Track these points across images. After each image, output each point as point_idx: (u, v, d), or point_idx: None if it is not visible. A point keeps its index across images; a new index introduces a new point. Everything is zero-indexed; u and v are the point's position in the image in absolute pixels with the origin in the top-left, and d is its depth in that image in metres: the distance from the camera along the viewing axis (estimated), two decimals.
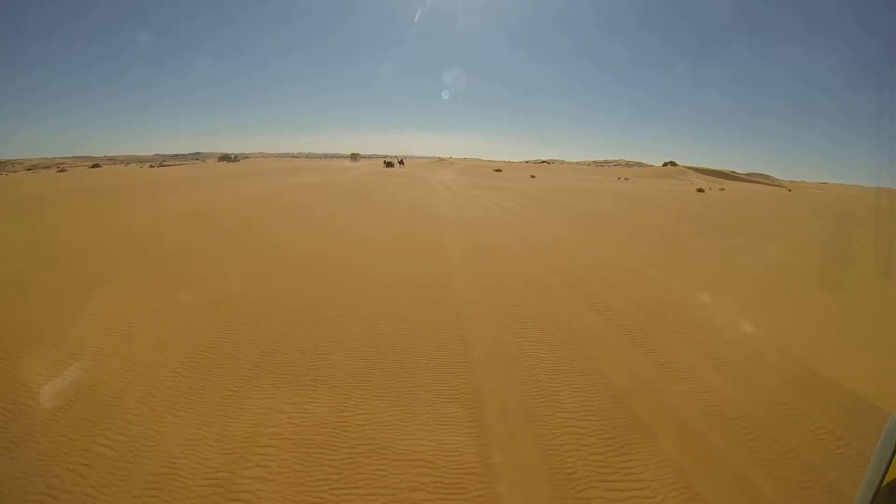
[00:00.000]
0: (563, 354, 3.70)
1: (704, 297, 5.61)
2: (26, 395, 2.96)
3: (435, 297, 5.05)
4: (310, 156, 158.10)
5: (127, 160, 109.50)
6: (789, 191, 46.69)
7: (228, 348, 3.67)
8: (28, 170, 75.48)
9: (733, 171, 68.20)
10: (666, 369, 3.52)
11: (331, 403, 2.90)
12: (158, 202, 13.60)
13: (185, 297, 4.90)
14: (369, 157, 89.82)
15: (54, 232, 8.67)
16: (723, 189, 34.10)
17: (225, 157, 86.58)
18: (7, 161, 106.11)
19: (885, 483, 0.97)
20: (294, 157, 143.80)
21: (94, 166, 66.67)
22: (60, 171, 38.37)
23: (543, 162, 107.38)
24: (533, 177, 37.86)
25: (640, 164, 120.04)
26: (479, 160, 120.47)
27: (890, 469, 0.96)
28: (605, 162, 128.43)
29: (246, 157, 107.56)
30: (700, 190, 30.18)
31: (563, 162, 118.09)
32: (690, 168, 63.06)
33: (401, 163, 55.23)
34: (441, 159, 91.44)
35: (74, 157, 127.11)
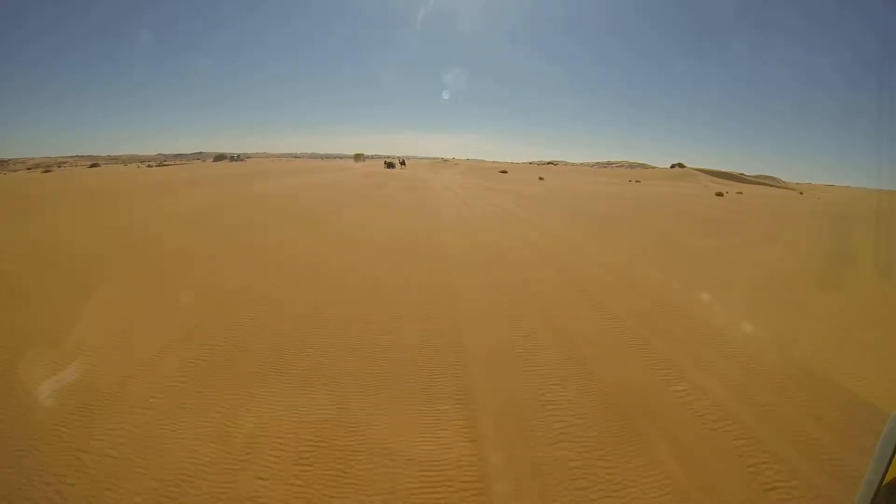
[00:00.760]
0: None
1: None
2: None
3: None
4: (312, 156, 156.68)
5: (129, 160, 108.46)
6: (801, 193, 45.34)
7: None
8: (27, 169, 74.47)
9: (742, 173, 66.59)
10: None
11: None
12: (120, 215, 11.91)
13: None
14: (372, 157, 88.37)
15: None
16: (740, 193, 32.39)
17: (220, 157, 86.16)
18: (9, 160, 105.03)
19: (885, 483, 0.95)
20: (296, 156, 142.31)
21: (93, 165, 65.40)
22: (46, 172, 36.55)
23: (549, 163, 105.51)
24: (541, 178, 36.09)
25: (643, 166, 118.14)
26: (481, 161, 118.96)
27: (890, 469, 0.95)
28: (608, 163, 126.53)
29: (248, 157, 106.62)
30: (719, 194, 28.41)
31: (565, 163, 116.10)
32: (699, 170, 61.44)
33: (402, 163, 52.86)
34: (444, 160, 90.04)
35: (76, 155, 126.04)
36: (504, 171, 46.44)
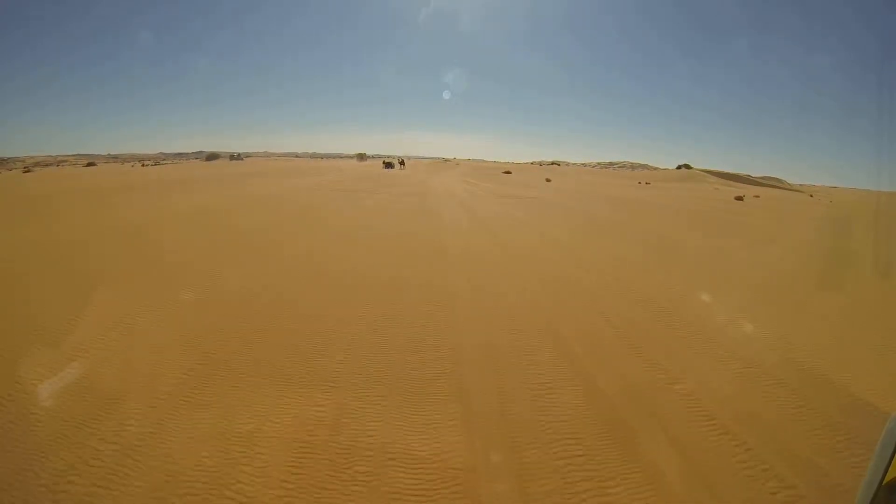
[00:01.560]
0: None
1: None
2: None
3: None
4: (313, 155, 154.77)
5: (130, 158, 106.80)
6: (811, 196, 43.92)
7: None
8: (25, 168, 73.07)
9: (748, 175, 64.78)
10: None
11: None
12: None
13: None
14: (374, 156, 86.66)
15: None
16: (757, 196, 30.57)
17: (213, 156, 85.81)
18: (9, 158, 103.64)
19: (885, 483, 0.95)
20: (297, 156, 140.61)
21: (90, 164, 63.55)
22: (26, 172, 34.61)
23: (552, 163, 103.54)
24: (548, 180, 34.25)
25: (645, 166, 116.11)
26: (483, 161, 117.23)
27: (890, 469, 0.94)
28: (610, 164, 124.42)
29: (248, 156, 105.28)
30: (738, 198, 26.61)
31: (567, 163, 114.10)
32: (705, 171, 59.61)
33: (401, 163, 49.76)
34: (445, 160, 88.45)
35: (77, 154, 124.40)
36: (508, 172, 44.61)
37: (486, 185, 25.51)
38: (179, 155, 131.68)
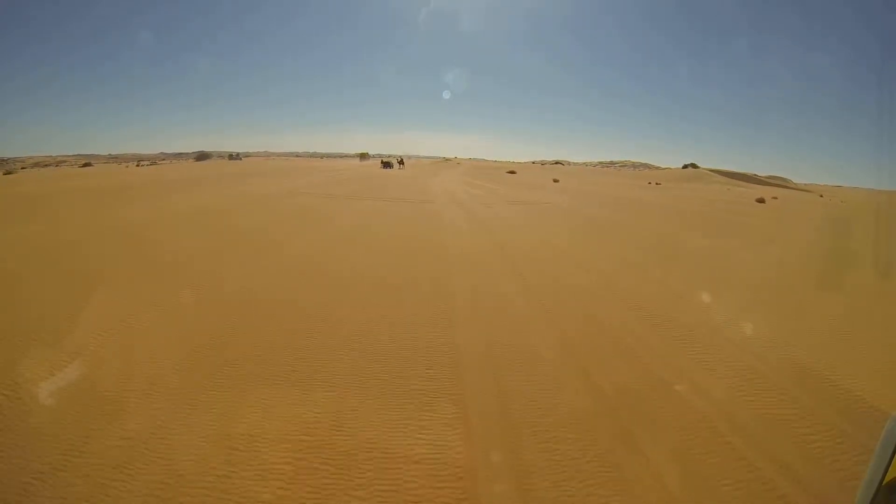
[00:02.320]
0: None
1: None
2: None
3: None
4: (314, 155, 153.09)
5: (131, 159, 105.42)
6: (821, 196, 42.40)
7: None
8: (22, 168, 71.98)
9: (755, 174, 63.03)
10: None
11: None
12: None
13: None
14: (375, 156, 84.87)
15: None
16: (775, 198, 28.80)
17: (203, 156, 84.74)
18: (9, 159, 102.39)
19: (885, 483, 0.94)
20: (298, 156, 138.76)
21: (86, 165, 61.97)
22: (7, 174, 32.77)
23: (556, 163, 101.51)
24: (556, 181, 32.42)
25: (647, 165, 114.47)
26: (483, 160, 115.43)
27: (890, 469, 0.93)
28: (612, 163, 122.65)
29: (248, 156, 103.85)
30: (760, 200, 24.85)
31: (568, 162, 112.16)
32: (712, 171, 57.87)
33: (400, 163, 46.52)
34: (446, 159, 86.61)
35: (78, 154, 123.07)
36: (512, 172, 42.81)
37: (492, 188, 23.38)
38: (180, 155, 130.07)
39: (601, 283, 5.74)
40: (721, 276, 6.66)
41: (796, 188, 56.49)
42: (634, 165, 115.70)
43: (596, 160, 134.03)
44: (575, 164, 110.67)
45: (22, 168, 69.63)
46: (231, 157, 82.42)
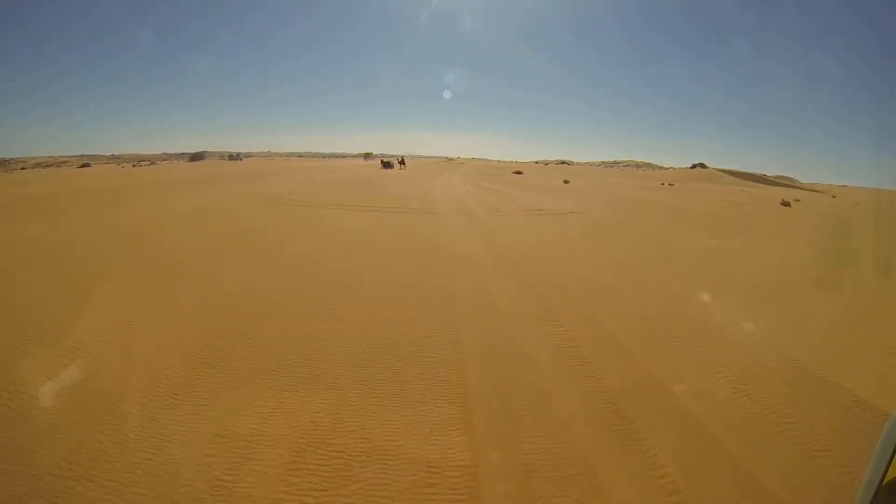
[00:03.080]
0: None
1: None
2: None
3: None
4: (316, 155, 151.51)
5: (132, 159, 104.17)
6: (833, 197, 40.88)
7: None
8: (22, 168, 71.19)
9: (763, 175, 61.16)
10: None
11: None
12: None
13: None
14: (378, 155, 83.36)
15: None
16: (797, 200, 27.09)
17: (197, 156, 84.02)
18: (10, 159, 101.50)
19: (885, 483, 0.93)
20: (300, 156, 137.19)
21: (84, 165, 60.75)
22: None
23: (562, 162, 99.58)
24: (567, 182, 30.72)
25: (650, 165, 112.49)
26: (487, 160, 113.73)
27: (890, 469, 0.92)
28: (615, 162, 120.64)
29: (250, 156, 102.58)
30: (785, 203, 23.17)
31: (571, 162, 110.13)
32: (721, 171, 55.98)
33: (401, 163, 43.85)
34: (449, 159, 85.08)
35: (80, 155, 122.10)
36: (518, 172, 41.19)
37: (503, 191, 21.58)
38: (182, 155, 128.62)
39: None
40: None
41: (804, 188, 54.71)
42: (637, 165, 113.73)
43: (598, 160, 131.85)
44: (578, 163, 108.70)
45: (21, 168, 68.52)
46: (231, 157, 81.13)
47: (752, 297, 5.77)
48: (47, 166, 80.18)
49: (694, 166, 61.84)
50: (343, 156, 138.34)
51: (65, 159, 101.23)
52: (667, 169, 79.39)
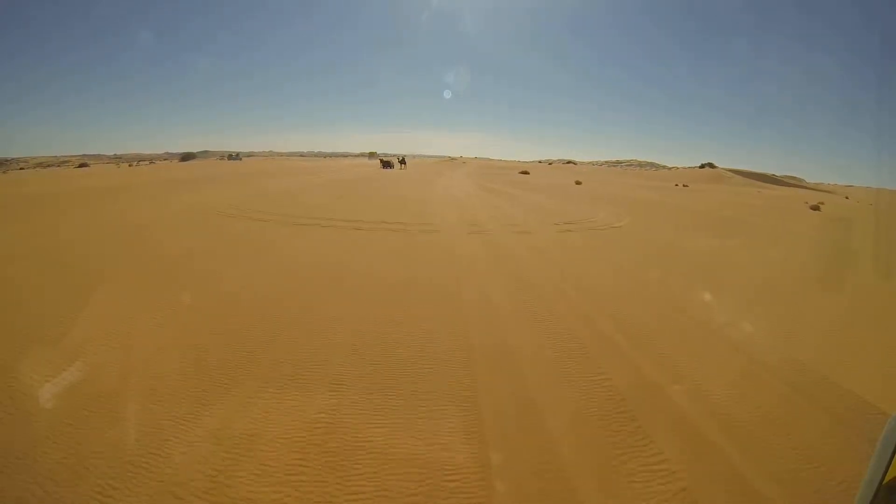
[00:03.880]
0: None
1: None
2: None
3: None
4: (318, 154, 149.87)
5: (134, 159, 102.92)
6: (846, 198, 39.31)
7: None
8: (21, 168, 70.32)
9: (773, 174, 59.46)
10: None
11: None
12: None
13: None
14: (382, 154, 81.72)
15: None
16: (822, 203, 25.45)
17: (188, 156, 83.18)
18: (11, 160, 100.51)
19: (885, 483, 0.91)
20: (302, 155, 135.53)
21: (82, 165, 59.58)
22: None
23: (569, 162, 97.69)
24: (579, 183, 29.07)
25: (653, 165, 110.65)
26: (489, 159, 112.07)
27: (890, 469, 0.91)
28: (619, 162, 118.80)
29: (250, 156, 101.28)
30: (815, 208, 21.55)
31: (574, 162, 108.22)
32: (731, 171, 54.25)
33: (402, 163, 42.05)
34: (451, 158, 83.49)
35: (82, 155, 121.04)
36: (525, 173, 39.56)
37: (514, 194, 19.64)
38: (182, 154, 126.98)
39: None
40: None
41: (812, 188, 53.06)
42: (641, 164, 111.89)
43: (601, 159, 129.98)
44: (582, 163, 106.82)
45: (21, 168, 67.22)
46: (230, 157, 79.50)
47: None
48: (48, 166, 78.86)
49: (703, 166, 60.03)
50: (345, 155, 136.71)
51: (66, 159, 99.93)
52: (671, 169, 77.58)
